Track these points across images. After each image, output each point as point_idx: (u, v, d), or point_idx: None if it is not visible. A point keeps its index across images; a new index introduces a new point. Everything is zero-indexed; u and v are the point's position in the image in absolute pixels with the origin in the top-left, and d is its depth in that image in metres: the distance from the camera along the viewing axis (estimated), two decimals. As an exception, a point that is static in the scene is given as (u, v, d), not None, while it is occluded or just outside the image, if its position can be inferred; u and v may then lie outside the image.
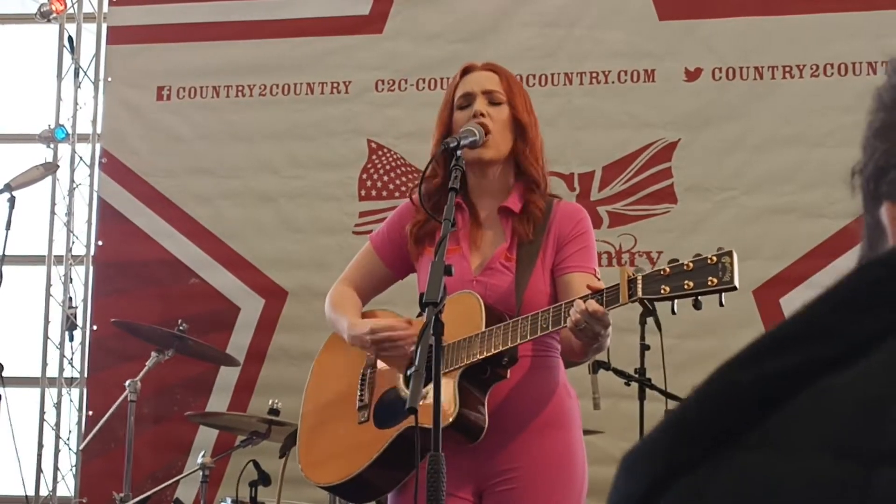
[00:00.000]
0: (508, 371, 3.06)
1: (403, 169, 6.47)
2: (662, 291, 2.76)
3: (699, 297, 2.76)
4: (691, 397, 0.70)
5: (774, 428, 0.66)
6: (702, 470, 0.68)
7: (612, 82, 6.34)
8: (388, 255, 3.41)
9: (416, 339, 2.96)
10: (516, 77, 3.46)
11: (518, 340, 2.99)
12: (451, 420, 2.94)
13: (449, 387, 3.00)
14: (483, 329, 3.04)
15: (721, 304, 2.76)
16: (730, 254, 2.73)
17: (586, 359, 3.18)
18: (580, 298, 2.87)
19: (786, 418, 0.66)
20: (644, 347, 4.96)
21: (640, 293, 2.80)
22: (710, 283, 2.71)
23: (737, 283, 2.70)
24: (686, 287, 2.73)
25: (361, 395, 3.31)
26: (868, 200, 0.82)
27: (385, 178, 6.51)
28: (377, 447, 3.17)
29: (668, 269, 2.79)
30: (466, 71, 3.40)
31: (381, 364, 3.31)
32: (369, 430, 3.23)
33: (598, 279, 3.12)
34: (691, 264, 2.75)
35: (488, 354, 3.01)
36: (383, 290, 3.51)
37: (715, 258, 2.73)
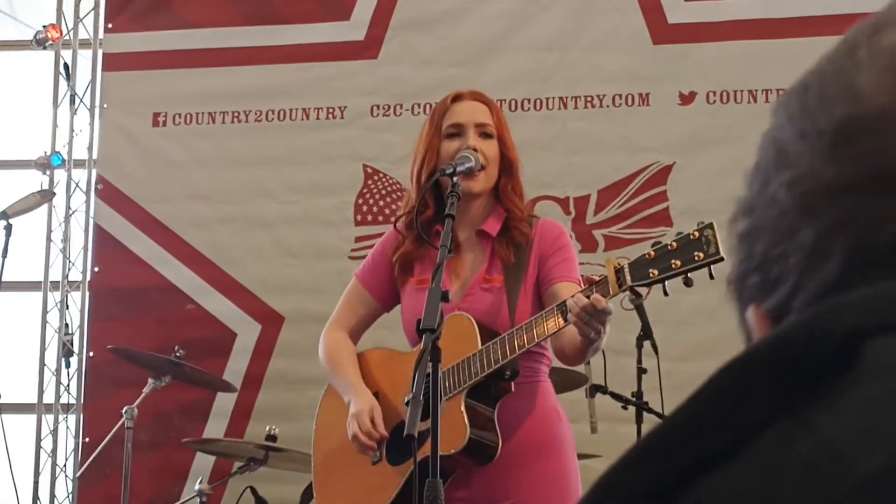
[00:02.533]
0: (512, 384, 3.05)
1: (399, 194, 6.47)
2: (651, 275, 2.78)
3: (689, 274, 2.75)
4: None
5: None
6: None
7: (607, 106, 6.35)
8: (376, 288, 3.42)
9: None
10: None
11: (517, 351, 2.99)
12: (463, 443, 2.93)
13: (456, 410, 2.98)
14: (480, 346, 3.04)
15: (711, 277, 2.75)
16: (710, 226, 2.75)
17: (584, 360, 3.18)
18: (573, 297, 2.87)
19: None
20: (641, 371, 4.96)
21: (628, 280, 2.82)
22: (696, 258, 2.73)
23: (723, 253, 2.70)
24: (674, 266, 2.75)
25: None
26: (737, 303, 0.83)
27: (381, 202, 6.52)
28: (393, 487, 3.16)
29: (652, 253, 2.81)
30: (456, 99, 3.39)
31: (384, 402, 3.30)
32: (383, 468, 3.22)
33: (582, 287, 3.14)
34: (675, 244, 2.77)
35: (490, 371, 3.00)
36: (372, 324, 3.51)
37: (697, 233, 2.75)
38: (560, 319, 2.92)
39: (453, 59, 6.54)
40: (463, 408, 3.02)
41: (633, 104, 6.33)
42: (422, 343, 2.62)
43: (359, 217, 6.53)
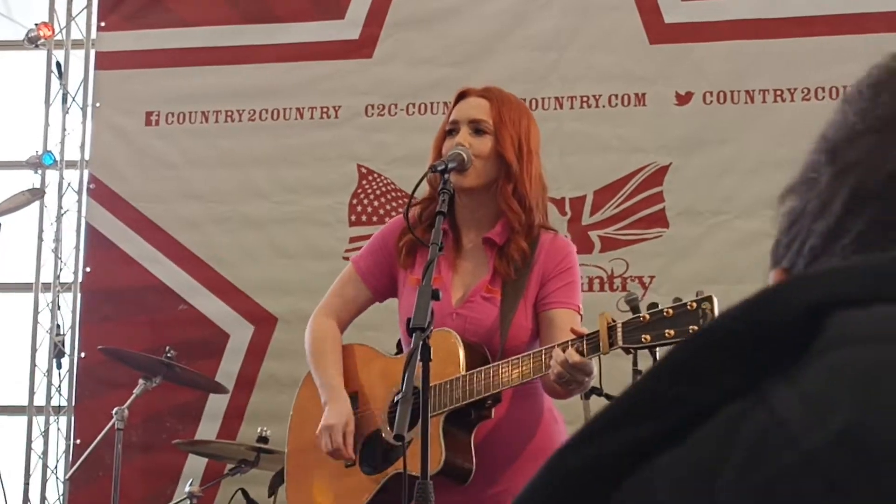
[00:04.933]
0: (493, 411, 3.01)
1: (394, 194, 6.44)
2: (643, 340, 2.74)
3: None
4: (524, 491, 0.66)
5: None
6: None
7: (603, 106, 6.31)
8: (370, 278, 3.36)
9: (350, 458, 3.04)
10: (518, 104, 3.36)
11: (500, 387, 2.94)
12: (438, 468, 2.90)
13: (434, 433, 2.94)
14: (463, 371, 2.98)
15: None
16: (709, 299, 2.70)
17: (569, 397, 3.15)
18: (560, 346, 2.82)
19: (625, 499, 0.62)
20: (636, 372, 4.90)
21: (620, 342, 2.77)
22: (690, 330, 2.68)
23: None
24: (667, 336, 2.71)
25: None
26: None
27: (375, 203, 6.48)
28: (365, 496, 3.13)
29: (647, 317, 2.76)
30: (461, 96, 3.35)
31: (362, 405, 3.26)
32: (355, 474, 3.19)
33: (581, 315, 3.10)
34: (671, 311, 2.72)
35: (470, 400, 2.96)
36: (362, 312, 3.46)
37: (695, 304, 2.70)
38: (543, 366, 2.88)
39: (449, 59, 6.50)
40: (441, 431, 2.98)
41: (629, 104, 6.29)
42: (412, 342, 2.58)
43: (353, 217, 6.49)
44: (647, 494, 0.62)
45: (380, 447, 3.10)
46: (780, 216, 0.84)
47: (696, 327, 2.66)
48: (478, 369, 2.99)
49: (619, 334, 2.77)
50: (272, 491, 4.86)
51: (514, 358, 2.96)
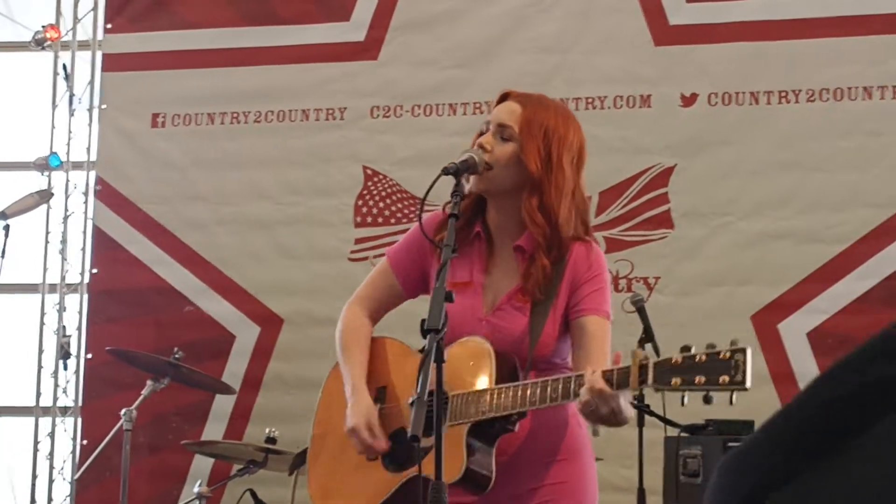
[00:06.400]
0: (517, 425, 3.02)
1: (399, 195, 6.45)
2: (673, 384, 2.70)
3: (710, 393, 2.69)
4: (793, 403, 0.68)
5: (877, 438, 0.64)
6: (796, 485, 0.66)
7: (608, 108, 6.33)
8: (402, 272, 3.32)
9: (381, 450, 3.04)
10: (556, 114, 3.22)
11: (527, 406, 2.93)
12: (459, 476, 2.92)
13: (457, 441, 2.96)
14: (493, 384, 2.97)
15: (731, 403, 2.70)
16: (743, 351, 2.65)
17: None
18: (591, 373, 2.81)
19: (885, 431, 0.65)
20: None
21: (650, 382, 2.73)
22: (721, 381, 2.65)
23: (748, 384, 2.63)
24: (697, 382, 2.67)
25: None
26: None
27: (381, 204, 6.49)
28: (383, 492, 3.14)
29: (679, 360, 2.72)
30: (501, 98, 3.27)
31: (390, 400, 3.27)
32: (377, 470, 3.19)
33: (611, 321, 3.08)
34: (704, 357, 2.69)
35: (496, 415, 2.96)
36: (395, 307, 3.44)
37: (729, 354, 2.67)
38: (572, 393, 2.87)
39: (453, 61, 6.52)
40: (464, 441, 2.98)
41: (634, 106, 6.31)
42: (426, 343, 2.59)
43: (358, 219, 6.51)
44: None
45: (404, 445, 3.11)
46: None
47: (726, 378, 2.64)
48: (507, 385, 2.97)
49: (651, 374, 2.73)
50: (292, 470, 4.86)
51: (544, 379, 2.93)
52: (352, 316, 3.39)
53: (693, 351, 2.71)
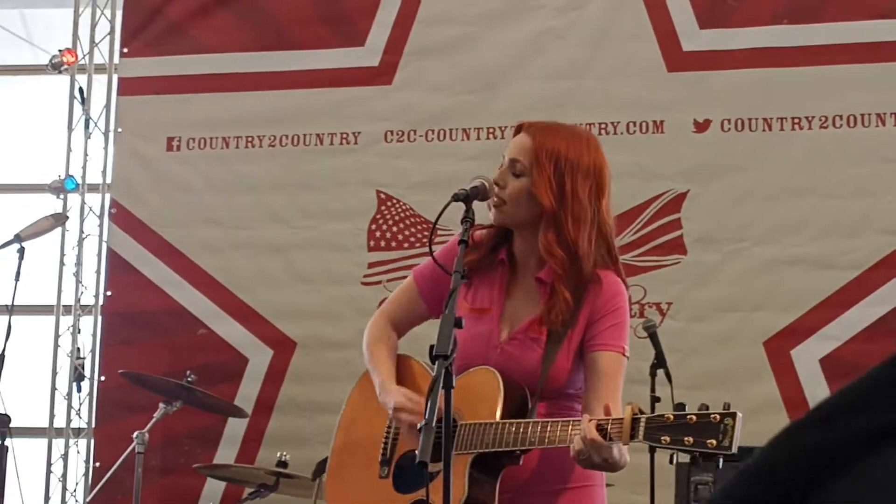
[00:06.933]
0: (521, 459, 3.02)
1: (413, 220, 6.47)
2: (663, 441, 2.75)
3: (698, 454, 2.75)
4: (755, 458, 0.69)
5: (843, 490, 0.65)
6: None
7: (621, 133, 6.34)
8: (426, 291, 3.32)
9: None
10: (569, 142, 3.16)
11: (526, 445, 2.95)
12: None
13: (460, 471, 2.96)
14: (501, 417, 2.99)
15: (718, 467, 2.74)
16: (733, 416, 2.69)
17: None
18: (587, 420, 2.83)
19: (856, 480, 0.65)
20: (654, 399, 4.91)
21: (640, 437, 2.77)
22: (709, 444, 2.69)
23: (735, 449, 2.68)
24: (686, 443, 2.71)
25: (384, 448, 3.27)
26: None
27: (394, 228, 6.51)
28: None
29: (671, 417, 2.76)
30: (516, 131, 3.24)
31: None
32: (387, 488, 3.20)
33: (627, 357, 3.08)
34: (694, 418, 2.72)
35: (499, 450, 2.98)
36: (420, 324, 3.45)
37: (718, 417, 2.70)
38: (569, 438, 2.89)
39: (467, 86, 6.54)
40: (466, 471, 2.99)
41: (647, 132, 6.32)
42: (434, 369, 2.60)
43: (372, 243, 6.52)
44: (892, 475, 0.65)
45: (412, 469, 3.12)
46: None
47: (713, 442, 2.68)
48: (511, 421, 2.98)
49: (642, 430, 2.77)
50: (315, 476, 4.88)
51: (545, 420, 2.95)
52: (378, 326, 3.41)
53: (685, 411, 2.73)
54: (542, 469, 3.10)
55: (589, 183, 3.13)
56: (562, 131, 3.20)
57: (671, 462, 2.84)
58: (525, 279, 3.20)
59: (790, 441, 0.69)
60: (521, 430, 2.94)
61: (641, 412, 2.78)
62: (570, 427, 2.87)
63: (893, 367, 0.69)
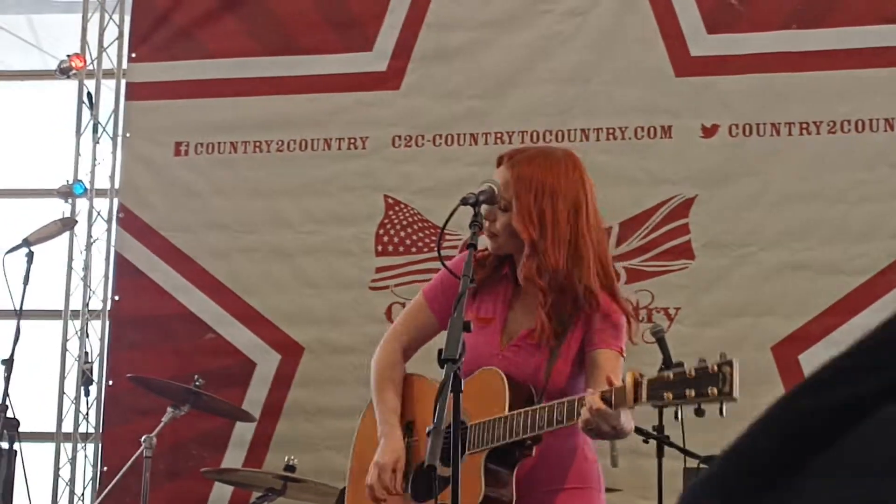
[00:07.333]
0: (534, 449, 3.08)
1: (420, 224, 6.47)
2: (665, 398, 2.81)
3: (701, 405, 2.80)
4: (754, 428, 0.71)
5: (840, 454, 0.66)
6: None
7: (629, 138, 6.34)
8: (436, 305, 3.39)
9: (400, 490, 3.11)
10: (544, 167, 3.24)
11: (535, 430, 3.02)
12: (477, 502, 2.98)
13: (475, 469, 3.03)
14: (507, 411, 3.06)
15: (721, 415, 2.77)
16: (730, 363, 2.76)
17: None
18: (591, 394, 2.91)
19: (851, 444, 0.66)
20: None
21: (644, 398, 2.84)
22: (710, 393, 2.75)
23: (736, 394, 2.74)
24: (687, 396, 2.78)
25: None
26: None
27: (402, 233, 6.51)
28: None
29: (671, 375, 2.83)
30: (498, 163, 3.34)
31: (417, 433, 3.34)
32: (405, 501, 3.25)
33: (624, 356, 3.15)
34: (694, 372, 2.79)
35: (511, 440, 3.04)
36: (430, 341, 3.50)
37: (716, 367, 2.77)
38: (576, 413, 2.96)
39: (475, 91, 6.54)
40: (482, 468, 3.07)
41: (655, 136, 6.32)
42: (443, 373, 2.63)
43: (379, 248, 6.52)
44: (888, 437, 0.65)
45: (426, 475, 3.18)
46: None
47: (714, 390, 2.75)
48: (518, 411, 3.06)
49: (644, 391, 2.84)
50: None
51: (551, 403, 3.02)
52: (386, 353, 3.48)
53: (685, 367, 2.79)
54: (538, 471, 3.14)
55: (570, 206, 3.20)
56: (538, 158, 3.28)
57: (676, 418, 2.90)
58: (527, 292, 3.28)
59: (777, 414, 0.69)
60: (530, 416, 3.02)
61: (642, 376, 2.86)
62: (577, 403, 2.94)
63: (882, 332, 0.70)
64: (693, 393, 2.76)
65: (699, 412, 2.81)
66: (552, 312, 3.17)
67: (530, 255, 3.18)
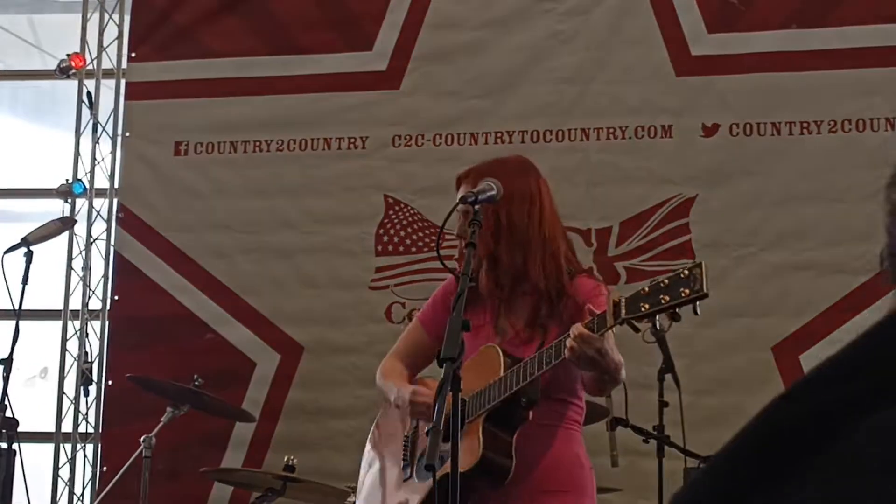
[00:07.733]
0: (530, 412, 3.12)
1: (420, 224, 6.46)
2: (643, 309, 2.91)
3: (677, 309, 2.90)
4: (742, 434, 0.71)
5: (829, 461, 0.66)
6: None
7: (630, 138, 6.33)
8: (431, 326, 3.51)
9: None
10: (510, 167, 3.44)
11: (527, 378, 3.10)
12: (475, 462, 3.00)
13: (473, 432, 3.10)
14: (501, 374, 3.14)
15: (696, 314, 2.89)
16: (699, 265, 2.89)
17: (606, 391, 3.27)
18: (574, 326, 3.01)
19: (841, 450, 0.66)
20: (662, 404, 4.91)
21: (623, 314, 2.94)
22: (682, 294, 2.86)
23: (706, 289, 2.86)
24: (663, 301, 2.89)
25: (405, 455, 3.42)
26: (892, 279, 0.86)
27: (402, 233, 6.50)
28: (415, 500, 3.27)
29: (647, 289, 2.94)
30: (457, 185, 3.44)
31: (422, 423, 3.40)
32: (411, 486, 3.34)
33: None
34: (667, 280, 2.91)
35: (506, 395, 3.10)
36: (428, 363, 3.58)
37: (687, 271, 2.89)
38: (563, 350, 3.04)
39: (475, 91, 6.54)
40: (480, 430, 3.13)
41: (655, 136, 6.31)
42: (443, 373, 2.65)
43: (379, 247, 6.52)
44: (883, 440, 0.65)
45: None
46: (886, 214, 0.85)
47: (687, 291, 2.85)
48: (510, 370, 3.15)
49: (623, 308, 2.94)
50: None
51: (539, 351, 3.13)
52: (387, 365, 3.61)
53: (659, 279, 2.92)
54: (526, 472, 3.16)
55: (525, 207, 3.33)
56: (487, 169, 3.38)
57: (656, 326, 2.96)
58: (514, 295, 3.39)
59: (768, 418, 0.69)
60: (521, 368, 3.11)
61: (621, 297, 2.98)
62: (562, 341, 3.04)
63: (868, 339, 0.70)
64: (668, 297, 2.87)
65: (675, 318, 2.92)
66: (533, 312, 3.30)
67: (488, 269, 3.34)
